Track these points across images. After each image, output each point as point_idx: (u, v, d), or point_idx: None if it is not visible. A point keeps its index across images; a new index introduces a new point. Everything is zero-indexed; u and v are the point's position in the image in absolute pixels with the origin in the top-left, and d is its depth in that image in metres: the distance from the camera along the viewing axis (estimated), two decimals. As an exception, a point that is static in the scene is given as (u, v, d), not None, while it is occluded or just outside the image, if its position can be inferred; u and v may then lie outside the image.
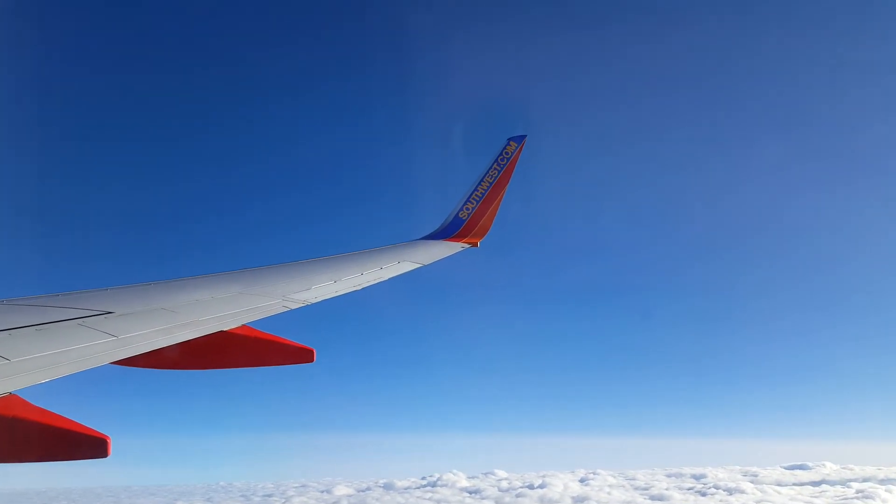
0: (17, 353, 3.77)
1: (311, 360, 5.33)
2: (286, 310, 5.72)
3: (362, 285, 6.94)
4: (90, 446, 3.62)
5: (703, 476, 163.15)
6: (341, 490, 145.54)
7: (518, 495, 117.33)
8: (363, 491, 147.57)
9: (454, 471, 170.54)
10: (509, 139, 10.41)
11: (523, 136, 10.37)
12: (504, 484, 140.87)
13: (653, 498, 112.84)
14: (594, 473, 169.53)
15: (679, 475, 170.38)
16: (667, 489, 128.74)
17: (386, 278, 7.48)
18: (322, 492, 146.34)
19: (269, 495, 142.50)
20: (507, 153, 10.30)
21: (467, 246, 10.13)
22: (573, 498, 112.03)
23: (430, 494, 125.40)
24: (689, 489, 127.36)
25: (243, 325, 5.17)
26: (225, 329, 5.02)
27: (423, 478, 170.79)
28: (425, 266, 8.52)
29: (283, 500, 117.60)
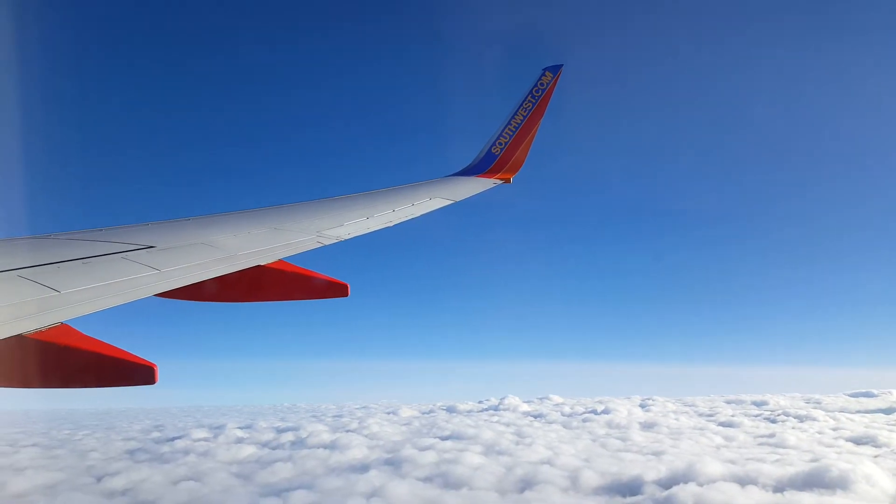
0: (66, 286, 3.88)
1: (346, 295, 5.36)
2: (320, 245, 5.77)
3: (394, 222, 6.95)
4: (139, 373, 3.71)
5: (764, 403, 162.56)
6: (407, 412, 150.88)
7: (584, 420, 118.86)
8: (427, 413, 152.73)
9: (510, 395, 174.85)
10: (545, 69, 9.73)
11: (559, 66, 9.69)
12: (566, 409, 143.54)
13: (722, 424, 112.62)
14: (650, 400, 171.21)
15: (739, 402, 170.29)
16: (733, 416, 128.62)
17: (418, 215, 7.44)
18: (389, 413, 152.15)
19: (339, 416, 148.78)
20: (542, 84, 9.67)
21: (500, 182, 9.82)
22: (641, 423, 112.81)
23: (496, 418, 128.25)
24: (757, 416, 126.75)
25: (279, 260, 5.23)
26: (262, 263, 5.10)
27: (480, 402, 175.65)
28: (457, 202, 8.39)
29: (358, 421, 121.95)
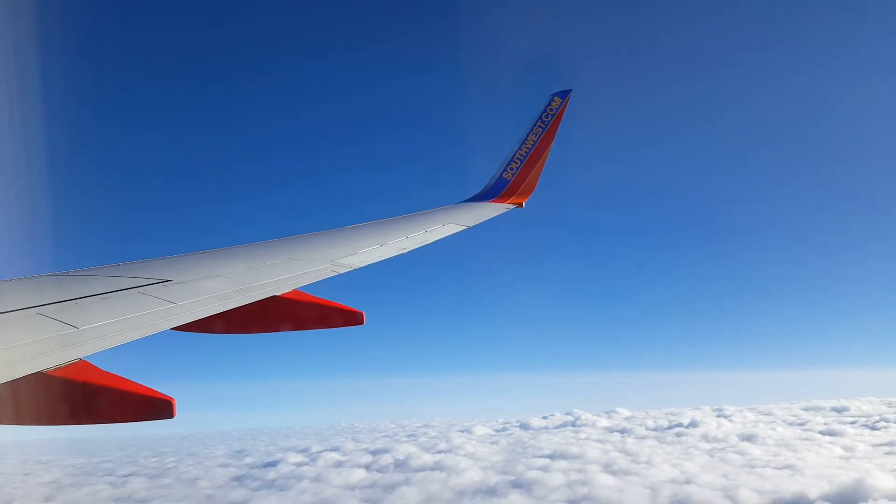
0: (84, 322, 3.93)
1: (361, 323, 5.36)
2: (335, 274, 5.78)
3: (408, 248, 6.97)
4: (158, 408, 3.72)
5: (845, 409, 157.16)
6: (481, 430, 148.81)
7: (678, 434, 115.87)
8: (502, 430, 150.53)
9: (576, 409, 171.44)
10: (553, 94, 9.91)
11: (568, 91, 9.86)
12: (649, 422, 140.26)
13: (823, 433, 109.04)
14: (721, 409, 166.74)
15: (818, 409, 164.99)
16: (826, 423, 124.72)
17: (431, 241, 7.42)
18: (462, 431, 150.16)
19: (413, 435, 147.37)
20: (551, 109, 9.84)
21: (513, 206, 9.93)
22: (739, 436, 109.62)
23: (583, 434, 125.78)
24: (852, 423, 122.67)
25: (295, 290, 5.26)
26: (277, 294, 5.12)
27: (545, 417, 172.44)
28: (471, 228, 8.41)
29: (445, 440, 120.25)
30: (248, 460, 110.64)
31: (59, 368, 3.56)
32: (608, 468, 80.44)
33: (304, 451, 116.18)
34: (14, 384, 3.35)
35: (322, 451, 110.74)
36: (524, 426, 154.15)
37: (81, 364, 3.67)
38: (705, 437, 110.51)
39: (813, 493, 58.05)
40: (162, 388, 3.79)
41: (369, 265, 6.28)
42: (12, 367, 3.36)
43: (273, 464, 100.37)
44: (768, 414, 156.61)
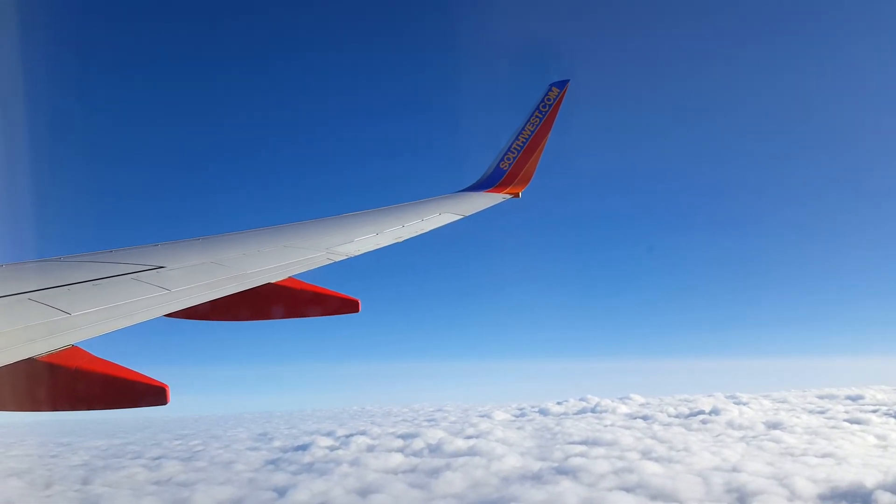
0: (77, 308, 3.90)
1: (357, 311, 5.35)
2: (330, 262, 5.77)
3: (404, 237, 6.98)
4: (150, 394, 3.71)
5: (860, 397, 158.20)
6: (500, 415, 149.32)
7: (703, 422, 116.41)
8: (521, 416, 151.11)
9: (588, 396, 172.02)
10: (551, 85, 9.91)
11: (566, 82, 9.86)
12: (670, 409, 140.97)
13: (848, 421, 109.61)
14: (734, 396, 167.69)
15: (832, 397, 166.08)
16: (846, 412, 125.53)
17: (427, 230, 7.46)
18: (481, 416, 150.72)
19: (433, 420, 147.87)
20: (548, 100, 9.84)
21: (509, 196, 9.91)
22: (765, 423, 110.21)
23: (608, 421, 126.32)
24: (874, 412, 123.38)
25: (290, 278, 5.24)
26: (272, 281, 5.09)
27: (559, 403, 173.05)
28: (467, 217, 8.44)
29: (472, 426, 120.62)
30: (277, 444, 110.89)
31: (50, 354, 3.54)
32: (647, 455, 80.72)
33: (330, 434, 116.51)
34: (5, 370, 3.31)
35: (351, 435, 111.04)
36: (543, 412, 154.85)
37: (74, 350, 3.64)
38: (731, 425, 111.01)
39: (869, 482, 58.30)
40: (155, 374, 3.78)
41: (365, 253, 6.26)
42: (3, 353, 3.32)
43: (304, 447, 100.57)
44: (784, 401, 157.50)
